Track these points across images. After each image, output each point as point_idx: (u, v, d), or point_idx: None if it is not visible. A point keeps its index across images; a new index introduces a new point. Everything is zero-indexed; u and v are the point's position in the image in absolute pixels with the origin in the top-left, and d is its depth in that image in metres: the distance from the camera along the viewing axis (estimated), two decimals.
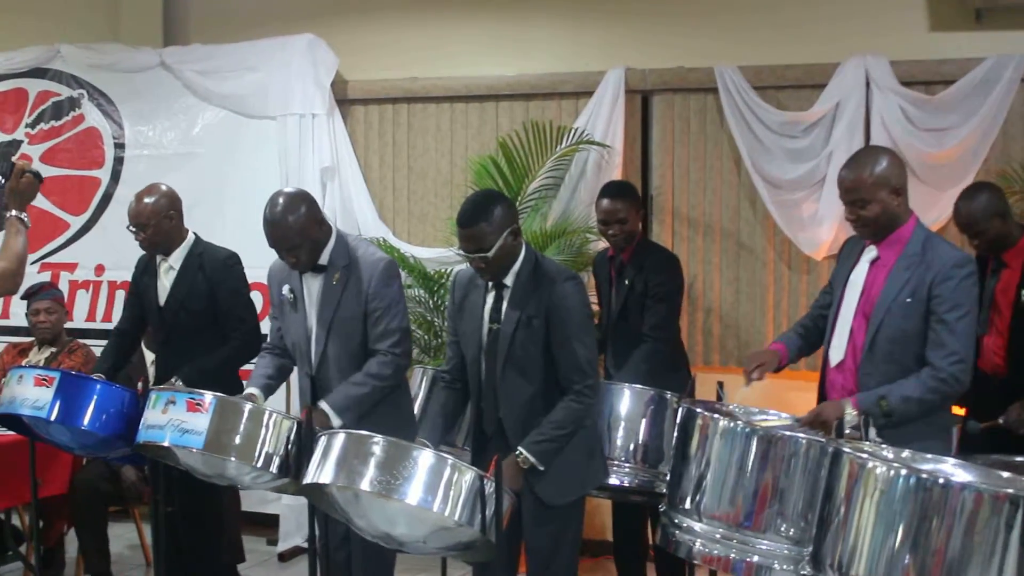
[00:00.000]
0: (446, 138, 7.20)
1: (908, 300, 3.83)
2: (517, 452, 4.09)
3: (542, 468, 4.07)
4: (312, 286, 4.67)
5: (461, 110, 7.15)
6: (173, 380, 4.95)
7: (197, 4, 7.78)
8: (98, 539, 6.03)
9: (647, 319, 5.39)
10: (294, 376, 4.94)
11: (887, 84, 6.17)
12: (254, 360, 5.07)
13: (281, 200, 4.56)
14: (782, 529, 3.64)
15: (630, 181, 6.47)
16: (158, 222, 5.24)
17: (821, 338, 4.22)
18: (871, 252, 4.02)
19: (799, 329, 4.39)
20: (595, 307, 5.77)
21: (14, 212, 4.18)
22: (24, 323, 6.64)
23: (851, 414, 3.73)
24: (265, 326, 5.19)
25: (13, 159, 4.37)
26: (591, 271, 5.94)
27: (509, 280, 4.23)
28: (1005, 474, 3.30)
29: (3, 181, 4.27)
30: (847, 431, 3.67)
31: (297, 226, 4.51)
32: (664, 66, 6.68)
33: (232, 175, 7.22)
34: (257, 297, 5.74)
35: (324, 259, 4.62)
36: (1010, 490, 2.93)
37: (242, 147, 7.28)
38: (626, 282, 5.46)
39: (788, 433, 3.79)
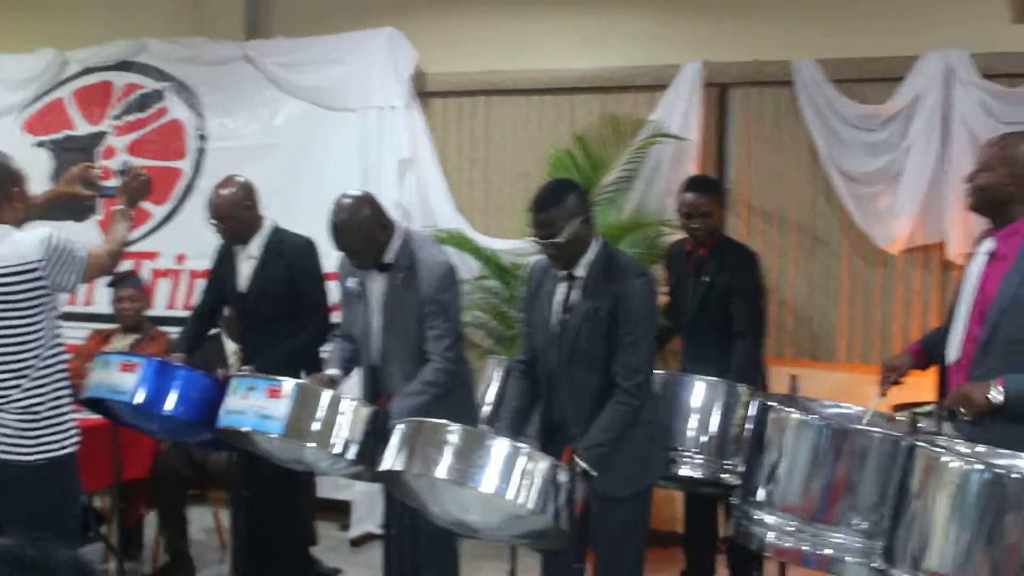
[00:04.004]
0: (523, 131, 7.21)
1: None
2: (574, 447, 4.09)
3: (595, 473, 4.01)
4: (376, 283, 4.76)
5: (538, 103, 7.16)
6: (249, 368, 5.02)
7: None
8: (177, 522, 6.14)
9: (739, 316, 5.36)
10: None
11: (968, 77, 6.09)
12: (326, 347, 5.14)
13: (345, 203, 4.65)
14: (854, 522, 3.62)
15: (708, 175, 6.46)
16: (236, 212, 5.33)
17: None
18: (989, 244, 3.82)
19: (928, 337, 4.26)
20: (666, 298, 5.80)
21: (123, 206, 4.51)
22: (108, 310, 6.76)
23: (997, 392, 3.53)
24: (337, 315, 5.26)
25: (128, 162, 4.85)
26: (665, 263, 5.92)
27: (581, 271, 4.24)
28: None
29: (120, 178, 4.68)
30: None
31: (361, 229, 4.61)
32: (741, 59, 6.65)
33: (312, 166, 7.29)
34: (333, 285, 5.81)
35: (389, 258, 4.70)
36: None
37: (322, 139, 7.35)
38: (705, 279, 5.43)
39: (861, 427, 3.77)
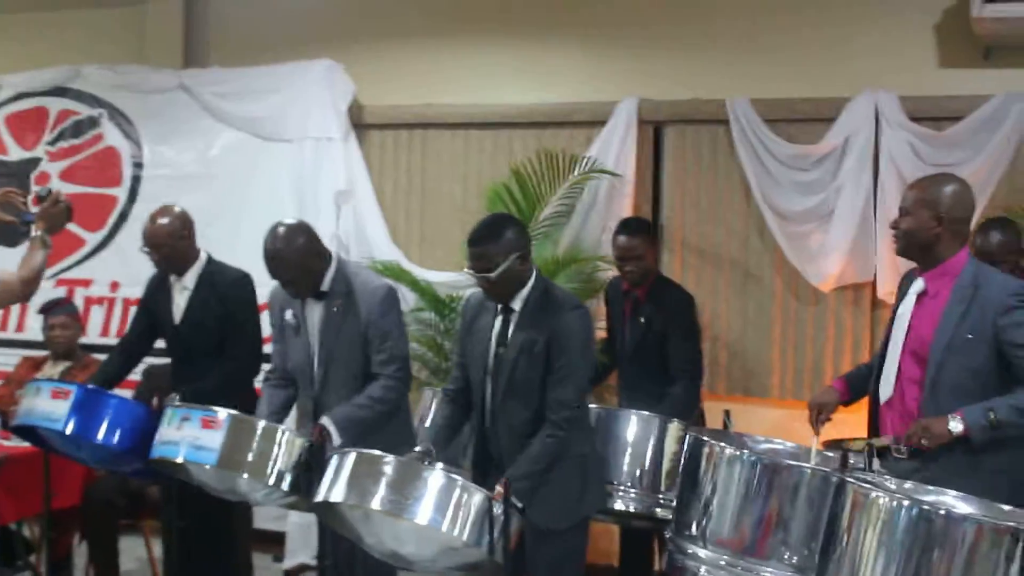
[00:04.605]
0: (460, 164, 7.25)
1: (969, 336, 3.72)
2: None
3: (520, 506, 4.02)
4: (313, 312, 4.75)
5: (475, 137, 7.21)
6: (173, 397, 4.97)
7: (217, 28, 7.85)
8: (108, 552, 6.04)
9: (677, 356, 5.42)
10: None
11: (896, 119, 6.22)
12: (258, 379, 5.11)
13: (280, 231, 4.65)
14: (786, 557, 3.65)
15: (642, 211, 6.55)
16: (172, 243, 5.29)
17: None
18: (918, 284, 3.91)
19: (852, 374, 4.33)
20: (603, 333, 5.85)
21: (40, 232, 4.45)
22: (39, 337, 6.66)
23: (957, 425, 3.61)
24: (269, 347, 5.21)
25: (51, 188, 4.72)
26: (604, 297, 5.98)
27: (517, 305, 4.27)
28: (1006, 507, 3.32)
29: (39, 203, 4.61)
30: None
31: (295, 257, 4.61)
32: (677, 97, 6.73)
33: (248, 196, 7.27)
34: (266, 317, 5.80)
35: (325, 286, 4.70)
36: (1011, 523, 2.97)
37: (259, 169, 7.34)
38: (642, 319, 5.50)
39: (793, 463, 3.82)
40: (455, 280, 6.63)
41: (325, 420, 4.54)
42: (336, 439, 4.51)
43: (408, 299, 6.68)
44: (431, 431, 4.64)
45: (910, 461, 3.70)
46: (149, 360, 5.85)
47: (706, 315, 6.58)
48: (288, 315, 4.80)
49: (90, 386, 5.05)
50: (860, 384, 4.20)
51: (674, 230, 6.77)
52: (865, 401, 4.13)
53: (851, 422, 4.49)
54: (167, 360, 5.66)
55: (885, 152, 6.25)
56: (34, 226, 4.49)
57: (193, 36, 7.86)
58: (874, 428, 3.99)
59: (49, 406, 4.87)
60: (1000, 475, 3.66)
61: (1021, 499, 3.44)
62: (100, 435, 4.84)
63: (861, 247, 6.29)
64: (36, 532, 6.35)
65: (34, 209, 4.90)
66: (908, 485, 3.40)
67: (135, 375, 5.84)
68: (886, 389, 3.92)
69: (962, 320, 3.74)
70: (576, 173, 6.61)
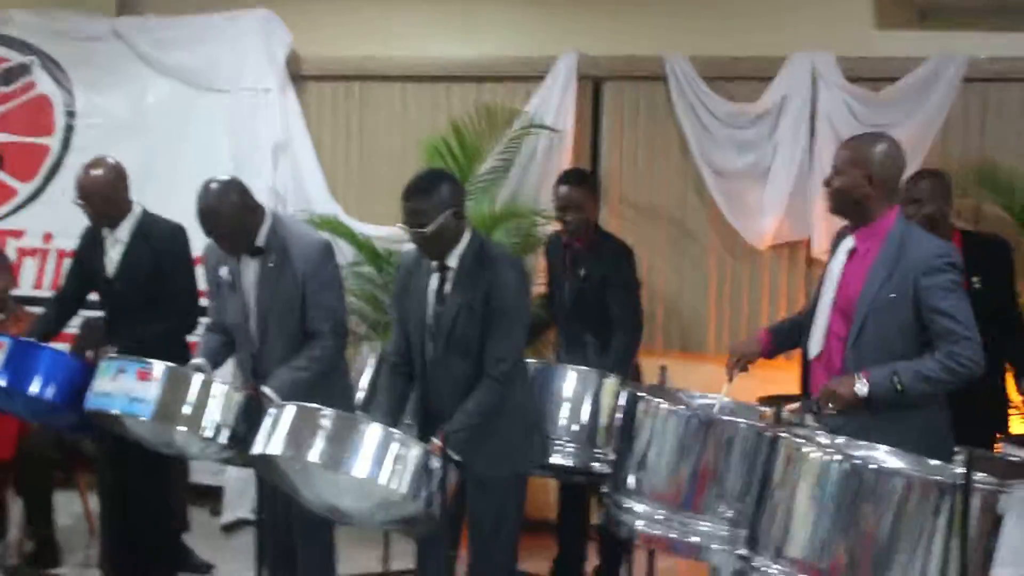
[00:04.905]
0: (399, 117, 7.21)
1: (892, 296, 3.75)
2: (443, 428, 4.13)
3: (457, 458, 4.06)
4: (249, 268, 4.71)
5: (415, 90, 7.17)
6: (107, 349, 4.94)
7: None
8: (43, 506, 6.03)
9: (619, 309, 5.43)
10: None
11: (833, 80, 6.28)
12: (197, 333, 5.09)
13: (213, 188, 4.59)
14: (720, 511, 3.71)
15: (582, 166, 6.55)
16: (106, 194, 5.23)
17: None
18: (849, 242, 3.95)
19: (779, 326, 4.37)
20: (543, 288, 5.88)
21: None
22: None
23: (862, 386, 3.67)
24: (205, 302, 5.17)
25: None
26: (544, 252, 5.99)
27: (453, 262, 4.27)
28: (934, 462, 3.39)
29: None
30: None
31: (229, 214, 4.56)
32: (616, 53, 6.74)
33: (183, 147, 7.18)
34: (201, 271, 5.76)
35: (260, 241, 4.66)
36: (939, 477, 3.03)
37: (194, 120, 7.25)
38: (581, 272, 5.51)
39: (727, 417, 3.87)
40: (393, 234, 6.58)
41: (266, 389, 4.49)
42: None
43: (346, 253, 6.66)
44: (377, 408, 4.63)
45: (837, 418, 3.75)
46: (85, 313, 5.80)
47: (643, 270, 6.56)
48: (223, 272, 4.75)
49: (23, 338, 4.99)
50: (784, 337, 4.26)
51: (612, 187, 6.79)
52: (798, 356, 4.18)
53: (788, 379, 4.56)
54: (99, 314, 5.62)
55: (822, 112, 6.31)
56: None
57: None
58: (805, 383, 4.05)
59: None
60: (916, 432, 3.70)
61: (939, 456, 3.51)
62: (34, 388, 4.81)
63: (797, 205, 6.36)
64: None
65: None
66: (840, 440, 3.45)
67: (72, 328, 5.79)
68: (815, 345, 3.96)
69: (887, 279, 3.78)
70: (515, 128, 6.61)
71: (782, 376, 4.79)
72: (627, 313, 5.45)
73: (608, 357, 5.21)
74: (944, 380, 3.70)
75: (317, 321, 4.64)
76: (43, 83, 7.61)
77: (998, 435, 4.85)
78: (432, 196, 4.17)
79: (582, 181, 5.63)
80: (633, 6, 6.77)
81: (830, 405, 3.72)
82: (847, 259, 3.94)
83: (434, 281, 4.32)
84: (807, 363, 4.04)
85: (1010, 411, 5.37)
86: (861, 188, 3.87)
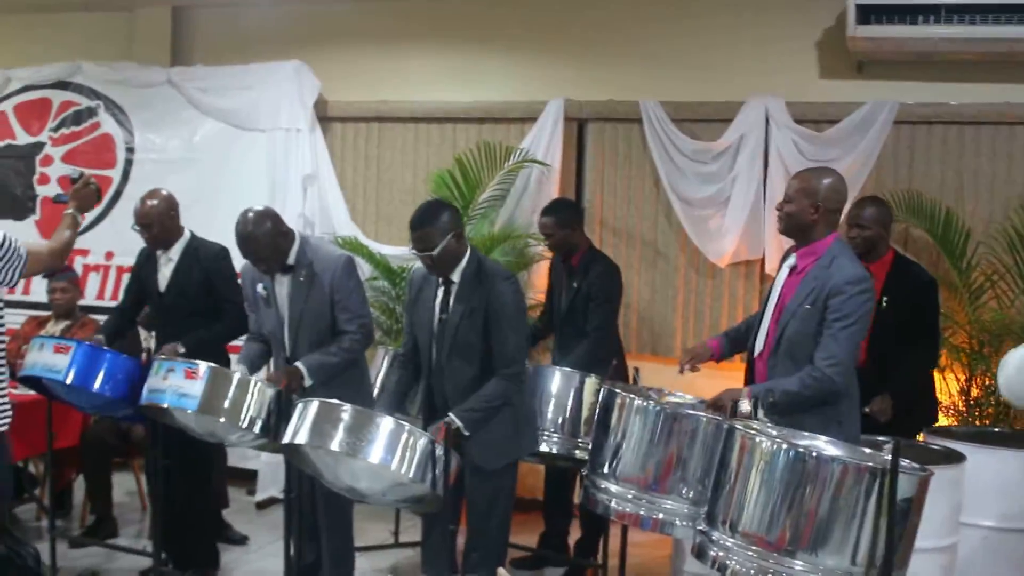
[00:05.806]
0: (410, 153, 7.22)
1: (808, 307, 3.76)
2: (446, 418, 4.15)
3: (467, 433, 4.11)
4: (282, 285, 4.72)
5: (424, 130, 7.18)
6: (177, 345, 4.95)
7: (201, 30, 7.75)
8: (103, 486, 6.03)
9: (591, 319, 5.44)
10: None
11: (782, 121, 6.28)
12: (242, 336, 5.09)
13: (249, 216, 4.61)
14: (683, 492, 3.70)
15: (567, 196, 6.56)
16: (160, 221, 5.22)
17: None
18: (791, 260, 3.95)
19: (734, 330, 4.36)
20: (541, 296, 5.89)
21: (72, 211, 4.28)
22: (44, 299, 6.59)
23: (745, 402, 3.68)
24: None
25: (82, 171, 4.53)
26: (549, 268, 6.02)
27: (456, 277, 4.29)
28: (867, 450, 3.39)
29: (70, 185, 4.40)
30: (741, 412, 3.67)
31: (264, 239, 4.58)
32: (597, 98, 6.75)
33: (226, 179, 7.19)
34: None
35: (291, 260, 4.67)
36: (870, 463, 3.03)
37: (235, 155, 7.26)
38: (574, 284, 5.53)
39: (691, 412, 3.86)
40: (405, 253, 6.62)
41: (299, 364, 4.55)
42: (307, 381, 4.54)
43: (365, 269, 6.66)
44: (384, 397, 4.67)
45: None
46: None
47: None
48: (259, 288, 4.76)
49: (87, 342, 4.99)
50: (739, 339, 4.25)
51: (594, 213, 6.80)
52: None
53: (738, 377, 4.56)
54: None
55: (773, 149, 6.30)
56: (68, 205, 4.34)
57: (180, 36, 7.75)
58: (749, 376, 4.04)
59: (52, 359, 4.83)
60: (834, 424, 3.71)
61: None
62: (96, 385, 4.81)
63: (752, 229, 6.35)
64: (40, 469, 6.31)
65: (63, 191, 4.75)
66: (786, 431, 3.44)
67: None
68: (759, 345, 3.97)
69: (809, 293, 3.78)
70: (511, 162, 6.61)
71: (732, 374, 4.77)
72: (598, 322, 5.45)
73: (570, 360, 5.24)
74: (804, 394, 3.70)
75: (345, 323, 4.66)
76: (107, 124, 7.63)
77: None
78: (435, 223, 4.20)
79: (553, 211, 5.66)
80: (613, 58, 6.78)
81: (714, 412, 3.73)
82: (788, 274, 3.94)
83: (440, 294, 4.34)
84: (751, 360, 4.05)
85: (939, 410, 5.38)
86: (808, 214, 3.86)
